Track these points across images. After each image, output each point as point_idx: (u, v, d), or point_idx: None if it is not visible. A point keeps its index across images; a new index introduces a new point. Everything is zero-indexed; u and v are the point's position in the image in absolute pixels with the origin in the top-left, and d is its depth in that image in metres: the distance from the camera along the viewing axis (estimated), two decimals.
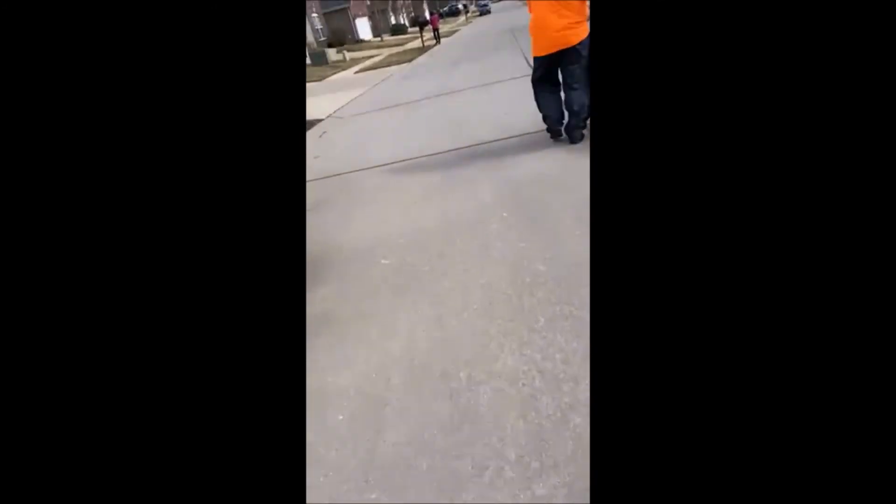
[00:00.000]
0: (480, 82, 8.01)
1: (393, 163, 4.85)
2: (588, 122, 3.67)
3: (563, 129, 3.84)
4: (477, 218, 3.14)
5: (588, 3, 3.39)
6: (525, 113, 4.85)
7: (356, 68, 17.33)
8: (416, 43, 23.00)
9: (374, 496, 1.49)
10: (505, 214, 3.09)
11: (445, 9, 61.89)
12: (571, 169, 3.50)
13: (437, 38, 22.12)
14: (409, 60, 16.06)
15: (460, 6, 61.89)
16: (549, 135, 3.99)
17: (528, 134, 4.52)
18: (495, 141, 4.60)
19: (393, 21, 45.67)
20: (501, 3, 75.17)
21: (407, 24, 43.16)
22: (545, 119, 3.91)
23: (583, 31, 3.42)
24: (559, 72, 3.66)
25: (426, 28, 23.16)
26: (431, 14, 24.38)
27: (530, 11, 3.63)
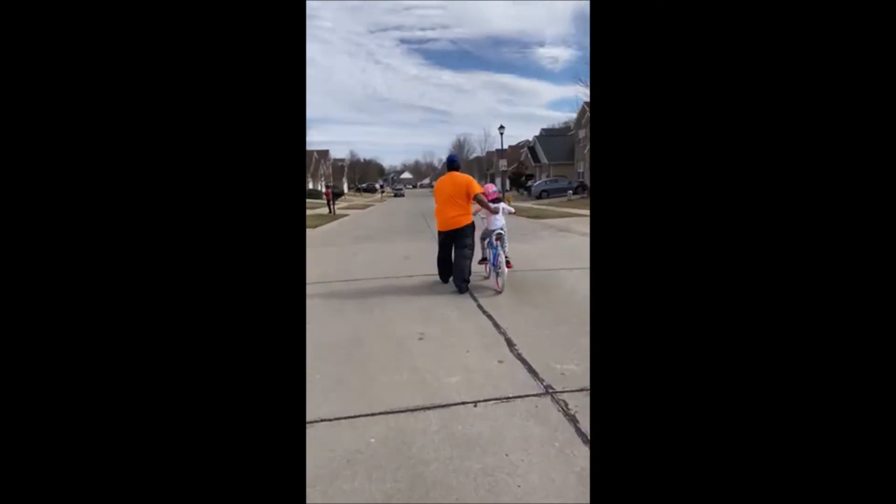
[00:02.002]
0: (386, 273, 6.22)
1: None
2: (468, 282, 5.06)
3: (450, 280, 5.26)
4: None
5: (472, 203, 5.19)
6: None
7: None
8: (325, 210, 22.28)
9: None
10: None
11: (364, 185, 66.06)
12: None
13: (331, 209, 22.20)
14: (314, 226, 14.52)
15: (377, 185, 66.39)
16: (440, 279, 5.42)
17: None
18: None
19: (310, 186, 46.50)
20: (415, 189, 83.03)
21: (326, 190, 44.17)
22: (441, 272, 5.40)
23: (467, 220, 5.14)
24: (453, 244, 5.22)
25: (338, 198, 22.82)
26: (327, 187, 24.47)
27: (436, 198, 5.40)
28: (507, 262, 5.15)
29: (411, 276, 5.82)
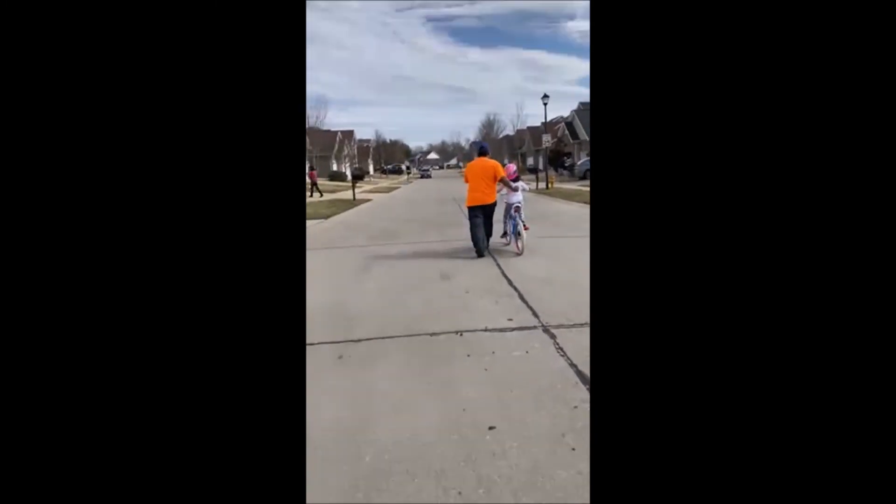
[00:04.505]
0: (413, 319, 3.50)
1: None
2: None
3: (480, 248, 6.05)
4: None
5: (500, 180, 6.05)
6: None
7: None
8: (347, 194, 19.59)
9: None
10: None
11: (389, 167, 63.30)
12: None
13: (316, 191, 19.96)
14: (326, 216, 11.92)
15: (403, 167, 63.60)
16: (474, 247, 6.09)
17: None
18: None
19: (334, 168, 43.93)
20: (442, 170, 79.62)
21: (349, 174, 41.28)
22: (473, 239, 6.05)
23: (493, 198, 6.09)
24: (482, 215, 6.09)
25: (360, 181, 20.12)
26: (311, 169, 21.50)
27: (466, 182, 6.35)
28: (524, 226, 6.09)
29: (465, 332, 3.14)
